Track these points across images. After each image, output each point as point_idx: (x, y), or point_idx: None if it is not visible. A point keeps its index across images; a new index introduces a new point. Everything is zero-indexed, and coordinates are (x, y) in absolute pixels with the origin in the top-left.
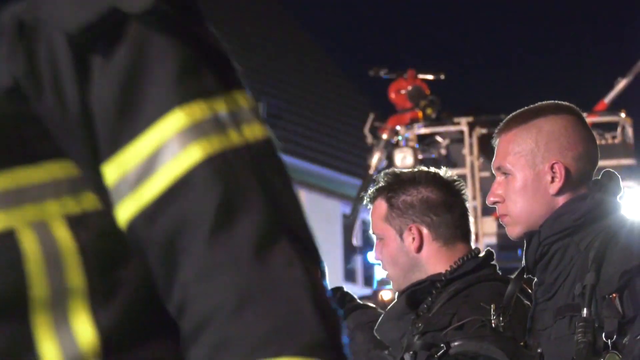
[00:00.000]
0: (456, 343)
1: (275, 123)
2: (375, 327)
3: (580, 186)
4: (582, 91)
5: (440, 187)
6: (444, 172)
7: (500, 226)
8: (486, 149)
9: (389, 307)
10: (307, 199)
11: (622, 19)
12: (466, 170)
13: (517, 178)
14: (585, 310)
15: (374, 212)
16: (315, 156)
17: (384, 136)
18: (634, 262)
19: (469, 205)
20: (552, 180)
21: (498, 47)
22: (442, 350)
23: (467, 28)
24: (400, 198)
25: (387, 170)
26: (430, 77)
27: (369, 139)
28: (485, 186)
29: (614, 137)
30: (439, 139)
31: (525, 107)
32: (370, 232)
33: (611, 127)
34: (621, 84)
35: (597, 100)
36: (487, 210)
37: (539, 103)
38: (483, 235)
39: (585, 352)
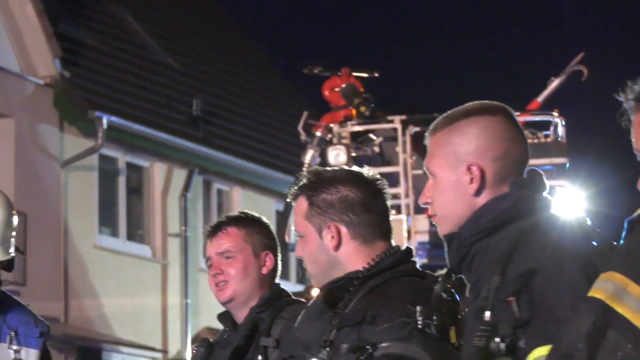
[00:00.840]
0: (383, 345)
1: (210, 120)
2: (295, 326)
3: (501, 186)
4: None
5: (360, 187)
6: (366, 171)
7: (432, 224)
8: (419, 147)
9: (307, 306)
10: (241, 195)
11: (554, 20)
12: (399, 168)
13: (440, 180)
14: (487, 314)
15: (295, 210)
16: (250, 153)
17: (318, 133)
18: (532, 264)
19: (402, 203)
20: (471, 182)
21: (432, 47)
22: (368, 352)
23: (402, 27)
24: (321, 196)
25: (309, 168)
26: (364, 75)
27: (303, 137)
28: (418, 184)
29: (546, 136)
30: (372, 136)
31: (454, 109)
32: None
33: (544, 126)
34: (554, 83)
35: (531, 100)
36: (419, 208)
37: (467, 104)
38: (415, 232)
39: (475, 357)
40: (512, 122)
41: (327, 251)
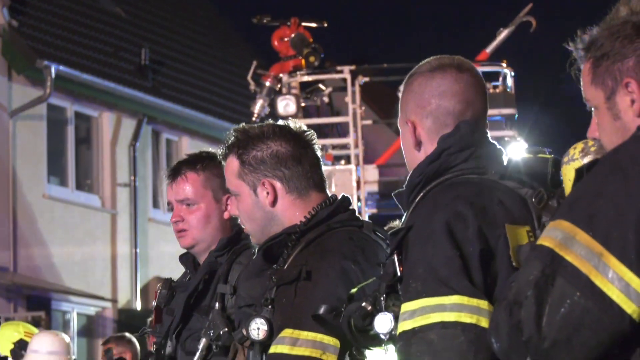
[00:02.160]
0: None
1: (159, 69)
2: (238, 284)
3: (434, 141)
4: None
5: (289, 140)
6: (293, 124)
7: (381, 174)
8: (368, 97)
9: (249, 264)
10: (189, 145)
11: None
12: (349, 118)
13: (402, 133)
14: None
15: (227, 169)
16: (198, 103)
17: (267, 83)
18: (412, 220)
19: (351, 153)
20: (411, 136)
21: None
22: (338, 312)
23: None
24: (251, 154)
25: (236, 127)
26: (313, 25)
27: (252, 86)
28: (368, 134)
29: (495, 87)
30: (321, 87)
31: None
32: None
33: (493, 76)
34: (503, 34)
35: (479, 50)
36: (369, 159)
37: (422, 62)
38: (365, 182)
39: (358, 315)
40: (451, 75)
41: (263, 208)
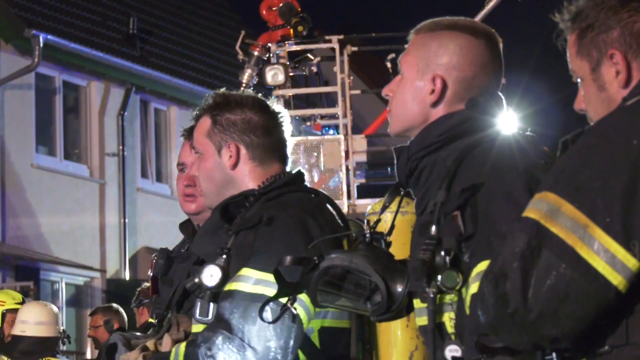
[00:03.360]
0: (331, 256)
1: (147, 39)
2: (193, 242)
3: (457, 106)
4: (453, 10)
5: (264, 112)
6: (271, 102)
7: (370, 144)
8: (357, 66)
9: (204, 222)
10: (178, 114)
11: None
12: (337, 88)
13: (406, 79)
14: (433, 228)
15: (197, 128)
16: (187, 72)
17: (255, 53)
18: (478, 179)
19: (340, 123)
20: (431, 92)
21: None
22: (313, 263)
23: None
24: (225, 116)
25: (216, 91)
26: None
27: (241, 56)
28: (356, 104)
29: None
30: (310, 56)
31: (447, 17)
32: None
33: None
34: (491, 3)
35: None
36: (357, 129)
37: (460, 17)
38: (353, 152)
39: (420, 270)
40: (492, 49)
41: (223, 169)
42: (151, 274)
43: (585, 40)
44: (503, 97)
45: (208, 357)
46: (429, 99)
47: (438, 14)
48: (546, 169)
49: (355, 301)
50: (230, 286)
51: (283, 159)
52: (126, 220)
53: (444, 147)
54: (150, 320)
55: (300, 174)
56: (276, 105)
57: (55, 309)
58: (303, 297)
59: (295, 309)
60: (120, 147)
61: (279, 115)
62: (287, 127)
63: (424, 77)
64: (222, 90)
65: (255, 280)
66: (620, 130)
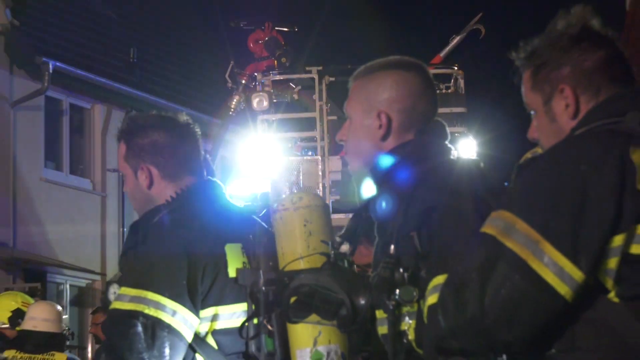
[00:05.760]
0: (300, 276)
1: (145, 67)
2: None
3: (406, 135)
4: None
5: (168, 131)
6: (179, 116)
7: (344, 164)
8: (334, 95)
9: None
10: None
11: None
12: (315, 114)
13: (354, 122)
14: (392, 247)
15: (118, 152)
16: (180, 97)
17: (243, 81)
18: (431, 202)
19: (317, 145)
20: (379, 127)
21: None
22: (283, 285)
23: None
24: (135, 141)
25: (129, 114)
26: (285, 29)
27: (229, 84)
28: (332, 128)
29: (447, 88)
30: (292, 85)
31: (378, 60)
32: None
33: (446, 78)
34: (455, 40)
35: (434, 55)
36: (333, 150)
37: (388, 57)
38: (329, 172)
39: (381, 285)
40: (423, 78)
41: (142, 190)
42: None
43: (539, 76)
44: (445, 123)
45: None
46: (378, 133)
47: (406, 50)
48: (495, 193)
49: (324, 316)
50: (112, 305)
51: (193, 170)
52: (124, 229)
53: (400, 175)
54: None
55: (208, 185)
56: (183, 117)
57: (59, 308)
58: (179, 309)
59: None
60: None
61: (184, 130)
62: (193, 139)
63: (370, 115)
64: (134, 113)
65: (125, 297)
66: (569, 157)
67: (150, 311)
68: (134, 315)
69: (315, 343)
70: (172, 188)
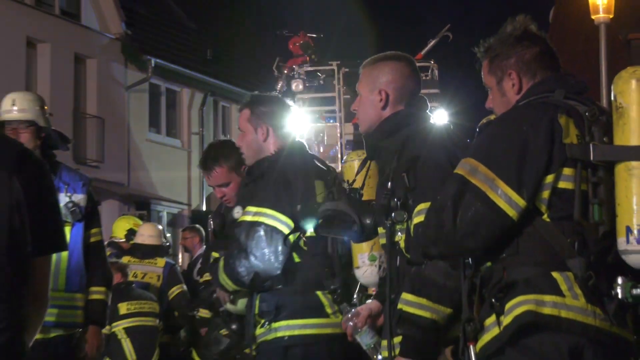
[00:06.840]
0: (325, 204)
1: (218, 61)
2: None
3: (398, 106)
4: (407, 47)
5: (282, 106)
6: (287, 102)
7: (355, 128)
8: (348, 80)
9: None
10: (235, 111)
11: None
12: (335, 94)
13: (363, 97)
14: (389, 184)
15: (241, 115)
16: (244, 83)
17: (285, 71)
18: (417, 152)
19: (337, 115)
20: (380, 101)
21: (355, 17)
22: (315, 210)
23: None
24: (259, 108)
25: (254, 93)
26: (314, 35)
27: (276, 73)
28: (347, 103)
29: (426, 76)
30: (319, 74)
31: (379, 54)
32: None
33: (425, 69)
34: (431, 43)
35: (416, 53)
36: (348, 118)
37: (385, 52)
38: (345, 134)
39: (380, 210)
40: (411, 66)
41: (258, 142)
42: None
43: (493, 64)
44: (426, 98)
45: (229, 264)
46: (379, 105)
47: (396, 48)
48: (461, 147)
49: (342, 231)
50: (240, 218)
51: (290, 135)
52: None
53: (395, 134)
54: None
55: (300, 144)
56: (288, 102)
57: (160, 227)
58: (285, 219)
59: (283, 230)
60: (201, 129)
61: (289, 108)
62: (291, 114)
63: (373, 92)
64: (257, 93)
65: (254, 213)
66: (515, 120)
67: (269, 221)
68: (257, 224)
69: (371, 249)
70: (279, 144)
